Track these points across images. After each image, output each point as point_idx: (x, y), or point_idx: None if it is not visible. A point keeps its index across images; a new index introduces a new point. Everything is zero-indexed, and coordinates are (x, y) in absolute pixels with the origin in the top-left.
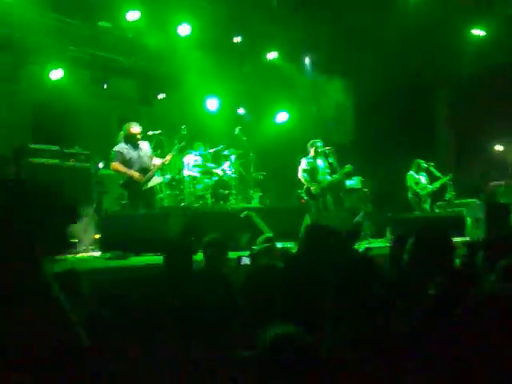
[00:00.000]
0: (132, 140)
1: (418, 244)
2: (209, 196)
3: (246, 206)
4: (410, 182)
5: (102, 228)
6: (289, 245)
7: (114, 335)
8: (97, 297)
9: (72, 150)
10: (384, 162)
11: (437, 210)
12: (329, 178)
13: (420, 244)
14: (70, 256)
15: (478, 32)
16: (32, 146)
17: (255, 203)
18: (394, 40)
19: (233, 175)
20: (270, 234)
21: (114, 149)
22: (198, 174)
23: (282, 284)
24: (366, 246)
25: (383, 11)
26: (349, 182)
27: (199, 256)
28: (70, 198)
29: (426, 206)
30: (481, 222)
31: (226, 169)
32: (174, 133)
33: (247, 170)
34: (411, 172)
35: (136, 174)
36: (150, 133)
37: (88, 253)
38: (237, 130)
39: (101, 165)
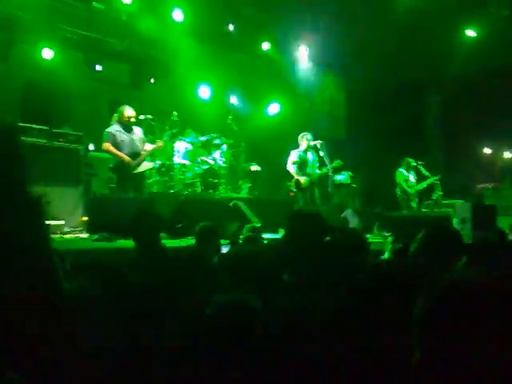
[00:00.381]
0: (125, 123)
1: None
2: (198, 184)
3: (235, 195)
4: (399, 179)
5: (90, 210)
6: (276, 236)
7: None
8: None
9: (62, 131)
10: (374, 158)
11: (424, 210)
12: (318, 171)
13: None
14: (56, 236)
15: (471, 33)
16: (21, 124)
17: (244, 194)
18: (388, 38)
19: (223, 164)
20: (258, 224)
21: (106, 130)
22: (187, 162)
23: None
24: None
25: (378, 8)
26: (338, 177)
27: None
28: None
29: (414, 204)
30: (467, 222)
31: (217, 158)
32: (165, 119)
33: (237, 159)
34: (401, 169)
35: (126, 158)
36: (142, 117)
37: (75, 234)
38: (229, 119)
39: (91, 147)
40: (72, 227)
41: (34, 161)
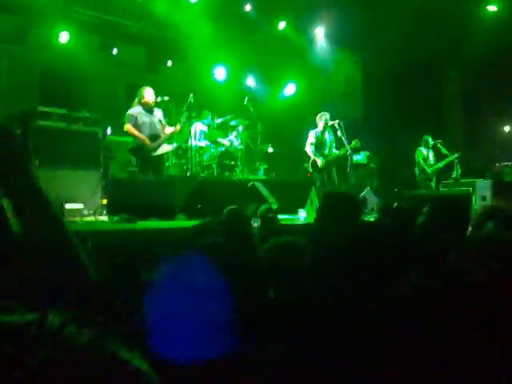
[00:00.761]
0: (146, 105)
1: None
2: (215, 166)
3: (252, 177)
4: (418, 158)
5: (110, 192)
6: (294, 217)
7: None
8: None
9: (80, 114)
10: (392, 137)
11: (443, 188)
12: (336, 151)
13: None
14: (76, 219)
15: (492, 8)
16: (40, 108)
17: (261, 175)
18: (407, 14)
19: (239, 146)
20: (276, 205)
21: (128, 111)
22: (204, 144)
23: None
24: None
25: None
26: (356, 157)
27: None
28: None
29: (432, 183)
30: (487, 200)
31: (233, 139)
32: (181, 101)
33: (254, 141)
34: (421, 148)
35: (147, 140)
36: (158, 99)
37: (95, 217)
38: (245, 100)
39: (109, 130)
40: (91, 210)
41: (53, 144)
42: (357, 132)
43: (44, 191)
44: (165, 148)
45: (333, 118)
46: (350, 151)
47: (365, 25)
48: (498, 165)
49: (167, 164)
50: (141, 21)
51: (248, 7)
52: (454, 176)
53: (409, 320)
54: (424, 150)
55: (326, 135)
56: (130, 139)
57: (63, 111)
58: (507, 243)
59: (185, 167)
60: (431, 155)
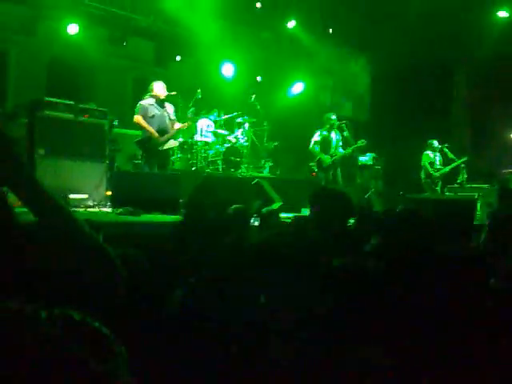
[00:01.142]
0: (157, 99)
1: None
2: (220, 162)
3: (257, 174)
4: (424, 162)
5: (114, 184)
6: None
7: None
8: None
9: (87, 106)
10: (398, 140)
11: (447, 193)
12: (341, 151)
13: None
14: (81, 210)
15: (503, 14)
16: (47, 98)
17: (266, 173)
18: (416, 16)
19: (245, 143)
20: (280, 203)
21: (140, 102)
22: (210, 140)
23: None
24: None
25: None
26: (361, 158)
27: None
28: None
29: (438, 188)
30: (493, 206)
31: (239, 136)
32: (189, 96)
33: (260, 139)
34: (427, 152)
35: (155, 133)
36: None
37: (99, 208)
38: (252, 97)
39: (115, 123)
40: (96, 201)
41: (60, 135)
42: (363, 133)
43: (42, 185)
44: (171, 143)
45: (340, 119)
46: (354, 151)
47: (374, 27)
48: (504, 171)
49: (172, 158)
50: (150, 15)
51: (258, 4)
52: (459, 181)
53: None
54: (431, 154)
55: (333, 135)
56: (136, 132)
57: (70, 102)
58: None
59: (190, 162)
60: (438, 159)
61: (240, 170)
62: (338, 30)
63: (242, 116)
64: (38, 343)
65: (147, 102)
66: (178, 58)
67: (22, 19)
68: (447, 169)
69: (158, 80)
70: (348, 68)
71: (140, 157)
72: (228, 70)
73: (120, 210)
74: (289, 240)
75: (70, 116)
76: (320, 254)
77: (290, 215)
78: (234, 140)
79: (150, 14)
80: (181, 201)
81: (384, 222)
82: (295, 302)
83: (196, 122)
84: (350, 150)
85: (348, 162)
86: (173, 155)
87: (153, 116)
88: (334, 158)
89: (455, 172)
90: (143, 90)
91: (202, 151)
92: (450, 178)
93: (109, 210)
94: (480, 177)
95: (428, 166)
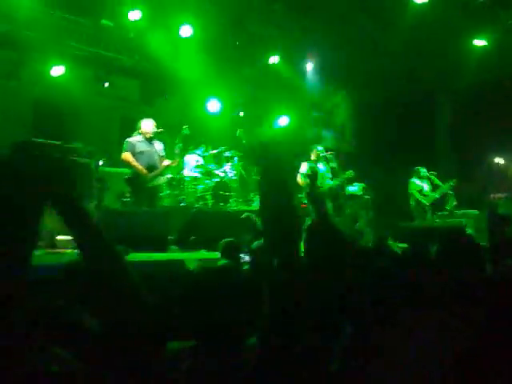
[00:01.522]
0: (145, 136)
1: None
2: (209, 197)
3: (246, 208)
4: (412, 190)
5: (104, 224)
6: None
7: None
8: None
9: (74, 146)
10: (385, 169)
11: (437, 220)
12: (329, 182)
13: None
14: (68, 251)
15: (481, 42)
16: (33, 139)
17: (255, 206)
18: (396, 47)
19: (234, 177)
20: None
21: (127, 139)
22: (198, 175)
23: None
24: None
25: (385, 16)
26: (350, 189)
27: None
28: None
29: (429, 215)
30: (483, 232)
31: (228, 170)
32: (175, 132)
33: (248, 172)
34: (414, 179)
35: (143, 170)
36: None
37: None
38: (238, 131)
39: (101, 162)
40: None
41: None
42: (350, 163)
43: (92, 219)
44: (160, 180)
45: (326, 150)
46: (342, 181)
47: (355, 57)
48: (492, 196)
49: (161, 195)
50: (134, 55)
51: (238, 42)
52: (448, 208)
53: None
54: (418, 182)
55: (320, 166)
56: (125, 170)
57: (57, 143)
58: None
59: (179, 198)
60: (426, 186)
61: (229, 205)
62: (319, 64)
63: (229, 150)
64: None
65: (135, 138)
66: (163, 97)
67: (5, 63)
68: (436, 195)
69: (145, 117)
70: (331, 99)
71: (129, 194)
72: (213, 105)
73: None
74: None
75: (58, 157)
76: None
77: None
78: (222, 174)
79: (133, 53)
80: (170, 237)
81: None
82: None
83: (183, 157)
84: (337, 181)
85: (336, 193)
86: (161, 192)
87: (141, 152)
88: (322, 189)
89: (443, 200)
90: (130, 128)
91: (191, 186)
92: (440, 206)
93: None
94: (469, 203)
95: (416, 194)
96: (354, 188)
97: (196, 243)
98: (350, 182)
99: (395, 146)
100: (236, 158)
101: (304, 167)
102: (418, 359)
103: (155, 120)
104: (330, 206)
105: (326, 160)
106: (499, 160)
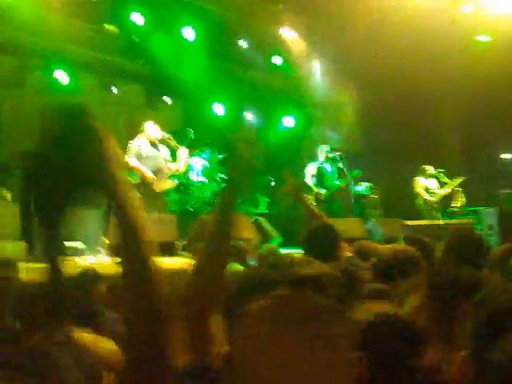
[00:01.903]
0: (149, 139)
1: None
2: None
3: (254, 211)
4: (417, 188)
5: (112, 232)
6: (296, 251)
7: None
8: None
9: None
10: (392, 168)
11: (446, 218)
12: (337, 182)
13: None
14: (77, 258)
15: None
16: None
17: (262, 209)
18: (404, 45)
19: None
20: (280, 239)
21: (131, 141)
22: (205, 180)
23: None
24: None
25: (390, 14)
26: (358, 188)
27: None
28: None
29: (438, 213)
30: (494, 228)
31: None
32: (181, 137)
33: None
34: (418, 178)
35: (149, 175)
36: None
37: (95, 256)
38: (244, 134)
39: None
40: (93, 250)
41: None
42: (357, 163)
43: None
44: (167, 184)
45: (333, 150)
46: (350, 182)
47: (362, 57)
48: (501, 192)
49: (169, 200)
50: (138, 60)
51: (243, 43)
52: (457, 205)
53: None
54: (422, 180)
55: (327, 167)
56: (131, 175)
57: None
58: None
59: (186, 203)
60: (434, 184)
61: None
62: (326, 64)
63: None
64: None
65: (138, 142)
66: (169, 101)
67: (9, 70)
68: (444, 192)
69: (149, 121)
70: (338, 99)
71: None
72: (218, 108)
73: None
74: None
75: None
76: None
77: (290, 251)
78: None
79: (137, 58)
80: (177, 243)
81: None
82: None
83: (190, 162)
84: (345, 181)
85: (344, 193)
86: (169, 197)
87: (147, 156)
88: (330, 190)
89: (452, 197)
90: (135, 133)
91: (198, 191)
92: (448, 203)
93: (106, 258)
94: (476, 200)
95: (423, 192)
96: (362, 188)
97: None
98: (358, 181)
99: (402, 144)
100: None
101: (311, 168)
102: None
103: (161, 124)
104: (338, 206)
105: (334, 160)
106: (505, 156)
